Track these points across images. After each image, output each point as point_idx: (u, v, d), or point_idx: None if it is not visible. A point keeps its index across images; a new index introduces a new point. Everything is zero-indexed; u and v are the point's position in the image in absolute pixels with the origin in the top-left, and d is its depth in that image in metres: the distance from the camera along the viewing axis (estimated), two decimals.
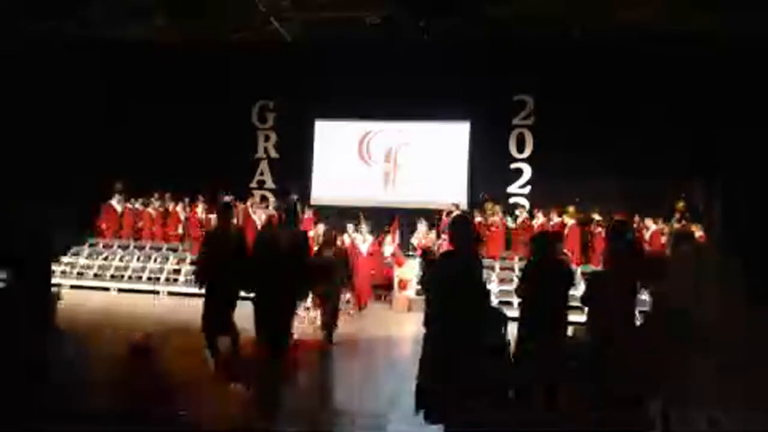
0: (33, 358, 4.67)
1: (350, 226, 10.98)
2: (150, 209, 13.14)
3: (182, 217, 12.91)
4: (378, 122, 13.66)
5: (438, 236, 11.58)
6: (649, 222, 11.05)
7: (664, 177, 11.15)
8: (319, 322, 7.84)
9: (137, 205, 13.21)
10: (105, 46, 12.99)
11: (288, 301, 5.25)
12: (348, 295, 9.51)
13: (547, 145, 12.49)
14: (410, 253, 11.73)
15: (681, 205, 10.94)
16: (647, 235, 10.76)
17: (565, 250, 10.82)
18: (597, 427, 3.78)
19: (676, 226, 10.52)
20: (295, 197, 10.65)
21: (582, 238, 11.44)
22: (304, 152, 13.96)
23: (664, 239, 10.68)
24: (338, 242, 9.01)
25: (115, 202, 13.12)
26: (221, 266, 5.45)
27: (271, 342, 5.07)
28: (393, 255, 11.36)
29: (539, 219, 11.77)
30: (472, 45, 12.07)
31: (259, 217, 11.93)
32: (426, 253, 7.09)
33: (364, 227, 11.01)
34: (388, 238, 11.53)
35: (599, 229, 11.21)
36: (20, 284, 5.06)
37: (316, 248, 8.09)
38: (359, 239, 10.85)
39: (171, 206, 13.01)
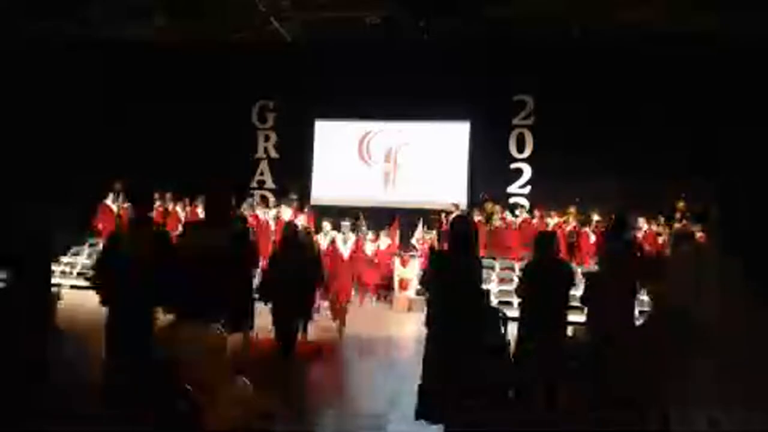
0: (33, 359, 4.66)
1: (326, 224, 9.52)
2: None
3: (182, 216, 12.90)
4: (378, 122, 13.66)
5: (438, 237, 11.56)
6: (641, 222, 10.80)
7: (664, 177, 11.13)
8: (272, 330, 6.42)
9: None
10: (105, 46, 12.99)
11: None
12: (323, 303, 8.43)
13: (547, 145, 12.49)
14: (411, 253, 11.72)
15: (681, 204, 10.91)
16: (639, 235, 10.49)
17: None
18: (597, 427, 3.78)
19: (677, 226, 10.49)
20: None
21: (568, 238, 11.42)
22: (304, 152, 13.96)
23: (661, 240, 10.61)
24: (307, 241, 7.69)
25: (110, 202, 13.08)
26: (129, 273, 4.25)
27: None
28: (377, 254, 11.06)
29: (519, 219, 11.84)
30: (472, 45, 12.07)
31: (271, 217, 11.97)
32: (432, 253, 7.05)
33: (346, 225, 9.51)
34: (370, 235, 11.22)
35: (585, 228, 11.23)
36: (20, 284, 5.03)
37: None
38: (339, 239, 9.10)
39: (171, 206, 12.99)
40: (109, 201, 13.06)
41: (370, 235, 11.26)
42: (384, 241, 11.45)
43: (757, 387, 2.19)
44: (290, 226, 7.11)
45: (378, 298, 11.35)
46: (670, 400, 2.44)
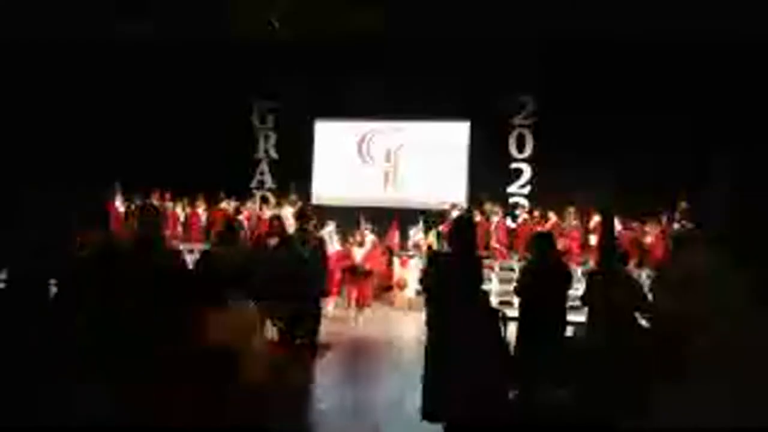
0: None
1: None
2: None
3: (182, 218, 12.90)
4: (378, 122, 13.67)
5: (437, 237, 11.54)
6: (615, 223, 10.75)
7: (666, 177, 11.10)
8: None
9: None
10: (103, 46, 12.98)
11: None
12: None
13: (547, 145, 12.49)
14: (411, 252, 11.72)
15: (683, 205, 10.83)
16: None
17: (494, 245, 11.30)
18: (596, 427, 3.78)
19: (676, 226, 10.45)
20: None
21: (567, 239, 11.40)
22: (304, 152, 13.98)
23: (649, 239, 10.55)
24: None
25: (119, 203, 13.05)
26: None
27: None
28: (367, 260, 9.77)
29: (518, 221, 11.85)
30: (472, 45, 12.06)
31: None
32: (429, 253, 7.04)
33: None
34: (358, 237, 10.22)
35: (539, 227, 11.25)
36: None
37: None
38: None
39: (170, 206, 12.97)
40: (117, 202, 12.99)
41: (358, 237, 10.22)
42: (370, 240, 10.24)
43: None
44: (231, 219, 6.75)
45: (377, 298, 11.29)
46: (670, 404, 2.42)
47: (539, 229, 10.71)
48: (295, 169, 13.72)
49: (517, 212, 12.18)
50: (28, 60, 12.83)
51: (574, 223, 11.42)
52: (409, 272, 11.23)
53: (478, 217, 11.54)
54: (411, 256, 11.54)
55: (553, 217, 11.57)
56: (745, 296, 2.26)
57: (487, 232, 11.64)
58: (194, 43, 12.91)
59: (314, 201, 13.42)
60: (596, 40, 11.45)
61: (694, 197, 10.50)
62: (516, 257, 11.36)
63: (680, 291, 2.50)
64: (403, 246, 12.01)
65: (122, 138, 13.24)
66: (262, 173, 14.34)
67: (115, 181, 12.93)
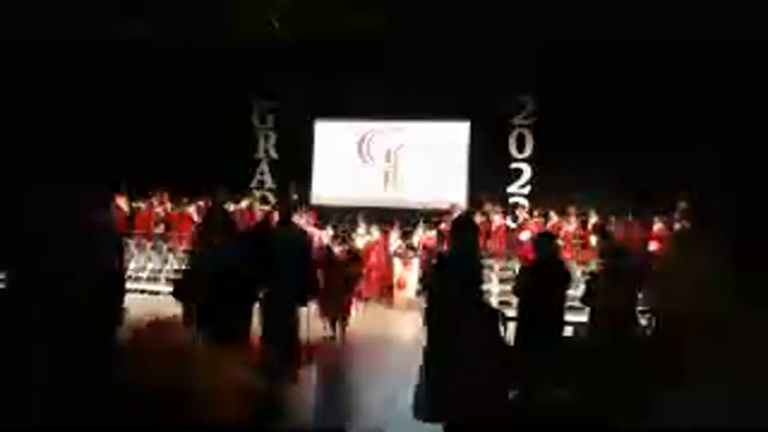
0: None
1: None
2: (158, 209, 13.08)
3: (195, 218, 12.87)
4: (378, 122, 13.67)
5: (439, 236, 11.54)
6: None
7: (666, 176, 11.09)
8: None
9: (141, 205, 13.18)
10: (103, 46, 12.97)
11: None
12: None
13: (547, 145, 12.49)
14: (411, 254, 11.70)
15: (683, 205, 10.82)
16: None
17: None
18: (596, 427, 3.77)
19: (677, 226, 10.45)
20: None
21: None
22: (304, 152, 13.98)
23: (652, 238, 10.61)
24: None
25: (123, 203, 13.02)
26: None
27: None
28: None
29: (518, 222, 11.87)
30: (472, 45, 12.06)
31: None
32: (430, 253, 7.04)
33: None
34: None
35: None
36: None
37: None
38: None
39: (169, 207, 12.96)
40: (121, 202, 12.96)
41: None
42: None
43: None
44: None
45: (375, 299, 11.30)
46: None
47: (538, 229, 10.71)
48: (295, 169, 13.73)
49: (517, 212, 12.18)
50: (28, 60, 12.82)
51: (575, 224, 11.41)
52: (411, 272, 11.23)
53: (478, 218, 11.53)
54: (413, 257, 11.51)
55: (554, 216, 11.56)
56: (745, 296, 2.25)
57: (487, 232, 11.64)
58: (194, 43, 12.90)
59: (314, 201, 13.44)
60: (596, 41, 11.44)
61: (693, 197, 10.47)
62: (514, 257, 11.36)
63: (680, 291, 2.50)
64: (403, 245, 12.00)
65: (122, 138, 13.24)
66: (262, 173, 14.35)
67: (121, 181, 12.91)
